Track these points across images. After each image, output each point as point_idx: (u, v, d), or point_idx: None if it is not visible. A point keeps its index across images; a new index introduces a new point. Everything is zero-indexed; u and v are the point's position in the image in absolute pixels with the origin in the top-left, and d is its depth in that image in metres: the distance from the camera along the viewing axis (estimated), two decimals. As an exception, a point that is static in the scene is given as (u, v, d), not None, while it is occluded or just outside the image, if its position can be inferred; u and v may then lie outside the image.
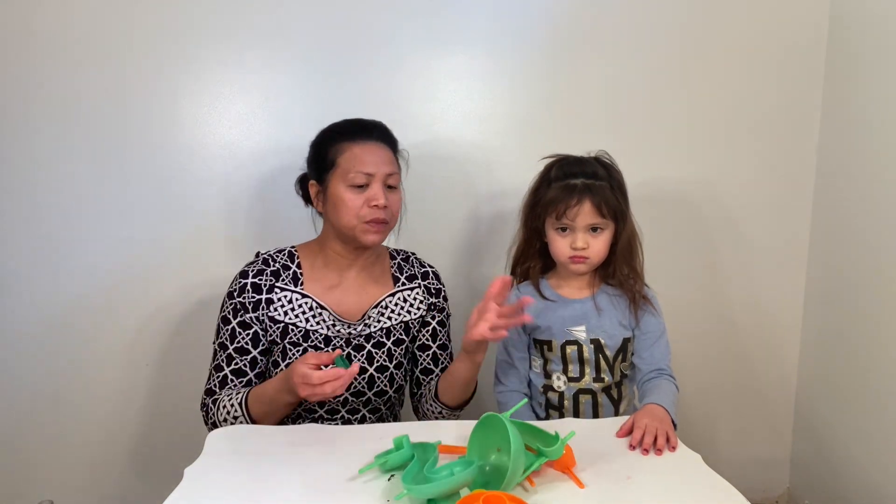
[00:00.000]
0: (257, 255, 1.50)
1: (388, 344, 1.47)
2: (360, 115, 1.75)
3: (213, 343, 1.46)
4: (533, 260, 1.49)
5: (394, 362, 1.48)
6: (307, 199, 1.51)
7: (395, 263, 1.55)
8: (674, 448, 1.16)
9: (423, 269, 1.56)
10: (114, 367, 1.79)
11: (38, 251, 1.73)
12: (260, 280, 1.44)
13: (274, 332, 1.43)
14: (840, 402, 1.81)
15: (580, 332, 1.43)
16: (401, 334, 1.50)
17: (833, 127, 1.84)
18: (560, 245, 1.41)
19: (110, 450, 1.82)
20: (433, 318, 1.55)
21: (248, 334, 1.43)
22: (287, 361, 1.42)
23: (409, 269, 1.55)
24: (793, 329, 1.97)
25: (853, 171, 1.76)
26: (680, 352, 1.94)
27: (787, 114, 1.87)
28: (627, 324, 1.44)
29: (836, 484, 1.82)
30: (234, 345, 1.42)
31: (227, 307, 1.45)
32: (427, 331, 1.54)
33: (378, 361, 1.46)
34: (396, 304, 1.50)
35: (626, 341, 1.43)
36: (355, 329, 1.46)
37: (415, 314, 1.52)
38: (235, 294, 1.44)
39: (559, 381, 1.44)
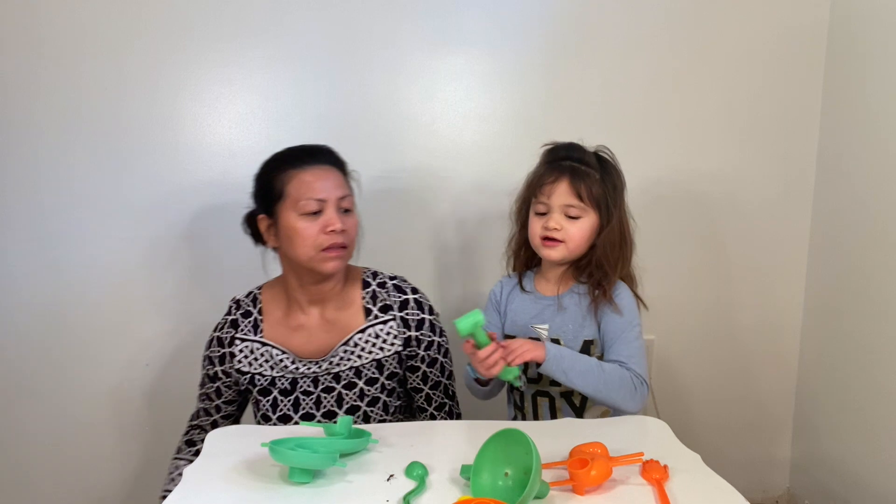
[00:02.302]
0: (232, 299, 1.48)
1: (360, 384, 1.40)
2: (360, 115, 1.77)
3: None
4: (525, 251, 1.45)
5: (365, 401, 1.40)
6: (257, 238, 1.43)
7: (367, 293, 1.43)
8: (510, 362, 1.20)
9: (401, 298, 1.43)
10: (114, 367, 1.79)
11: (39, 250, 1.73)
12: (222, 333, 1.44)
13: (243, 381, 1.43)
14: (840, 402, 1.81)
15: (543, 330, 1.37)
16: (373, 373, 1.40)
17: (833, 127, 1.84)
18: (535, 226, 1.35)
19: (109, 450, 1.82)
20: (421, 358, 1.44)
21: (212, 386, 1.46)
22: (261, 412, 1.41)
23: (383, 297, 1.43)
24: (793, 329, 1.97)
25: (853, 171, 1.75)
26: (680, 352, 1.95)
27: (787, 114, 1.87)
28: (590, 325, 1.35)
29: (836, 484, 1.81)
30: (205, 389, 1.48)
31: (203, 354, 1.48)
32: (417, 375, 1.45)
33: (348, 403, 1.39)
34: (367, 342, 1.40)
35: (587, 343, 1.34)
36: (320, 367, 1.39)
37: (388, 350, 1.41)
38: (206, 346, 1.47)
39: (520, 381, 1.36)
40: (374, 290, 1.43)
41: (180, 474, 1.24)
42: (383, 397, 1.42)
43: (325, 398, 1.40)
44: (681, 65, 1.83)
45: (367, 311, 1.42)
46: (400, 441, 1.18)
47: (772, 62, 1.85)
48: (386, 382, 1.42)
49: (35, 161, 1.70)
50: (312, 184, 1.33)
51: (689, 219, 1.90)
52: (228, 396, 1.47)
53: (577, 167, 1.32)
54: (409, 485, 1.04)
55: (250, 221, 1.44)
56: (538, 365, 1.24)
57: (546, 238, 1.33)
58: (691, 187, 1.88)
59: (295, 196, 1.33)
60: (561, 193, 1.31)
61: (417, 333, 1.43)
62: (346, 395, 1.40)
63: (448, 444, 1.19)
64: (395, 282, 1.45)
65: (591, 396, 1.28)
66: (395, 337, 1.41)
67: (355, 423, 1.30)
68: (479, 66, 1.80)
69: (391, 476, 1.07)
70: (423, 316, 1.44)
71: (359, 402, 1.40)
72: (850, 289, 1.77)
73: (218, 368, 1.44)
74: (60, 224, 1.72)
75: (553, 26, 1.79)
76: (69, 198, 1.72)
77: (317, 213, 1.33)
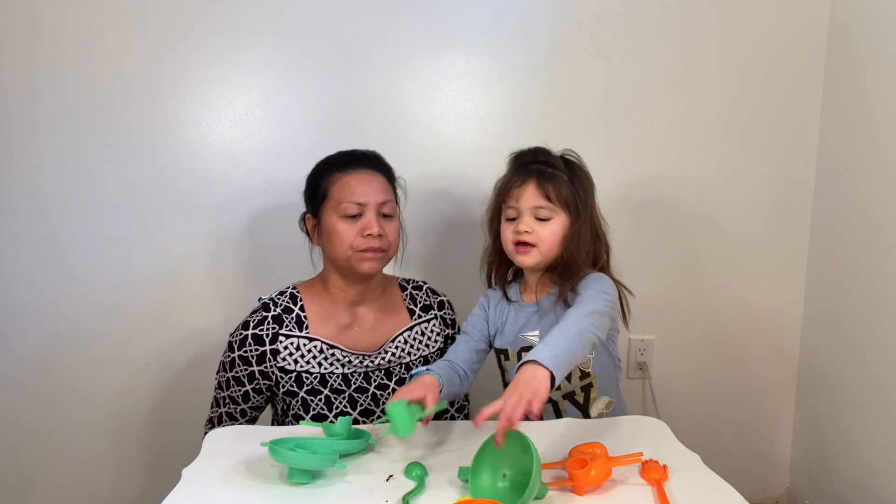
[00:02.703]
0: (259, 300, 1.45)
1: None
2: (360, 115, 1.77)
3: (216, 374, 1.46)
4: (502, 264, 1.43)
5: None
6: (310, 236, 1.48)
7: (406, 294, 1.51)
8: (536, 416, 1.01)
9: (438, 299, 1.53)
10: (114, 367, 1.79)
11: (39, 250, 1.73)
12: (261, 330, 1.39)
13: (287, 382, 1.38)
14: (840, 402, 1.81)
15: (533, 338, 1.35)
16: None
17: (833, 127, 1.84)
18: (506, 232, 1.33)
19: (109, 450, 1.82)
20: None
21: (239, 390, 1.42)
22: (312, 413, 1.38)
23: (422, 298, 1.52)
24: (793, 329, 1.97)
25: (853, 171, 1.75)
26: (680, 351, 1.95)
27: (787, 114, 1.87)
28: None
29: (836, 484, 1.81)
30: (228, 392, 1.43)
31: (226, 354, 1.42)
32: None
33: None
34: (414, 339, 1.47)
35: None
36: (372, 362, 1.41)
37: (433, 347, 1.49)
38: (236, 346, 1.40)
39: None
40: (411, 293, 1.52)
41: None
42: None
43: (381, 395, 1.41)
44: (681, 64, 1.83)
45: (411, 312, 1.49)
46: (399, 441, 1.18)
47: (772, 63, 1.85)
48: None
49: (35, 161, 1.70)
50: (355, 188, 1.38)
51: (690, 218, 1.90)
52: (255, 402, 1.43)
53: (544, 169, 1.32)
54: (409, 485, 1.05)
55: (304, 221, 1.49)
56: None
57: (518, 243, 1.32)
58: (691, 186, 1.88)
59: (337, 198, 1.38)
60: (529, 196, 1.30)
61: (454, 332, 1.52)
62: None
63: (448, 444, 1.19)
64: (428, 286, 1.55)
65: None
66: (438, 335, 1.50)
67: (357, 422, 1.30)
68: (479, 66, 1.80)
69: (390, 476, 1.07)
70: (454, 317, 1.55)
71: None
72: (850, 289, 1.77)
73: (255, 368, 1.39)
74: (60, 224, 1.72)
75: (553, 26, 1.79)
76: (69, 198, 1.72)
77: (357, 216, 1.37)
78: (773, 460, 2.02)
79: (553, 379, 1.04)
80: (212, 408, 1.47)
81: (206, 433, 1.44)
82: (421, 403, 1.14)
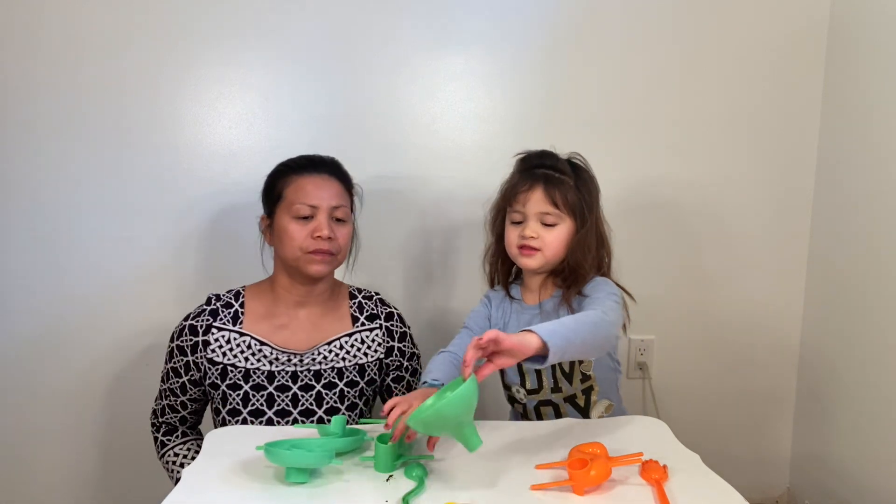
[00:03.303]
0: (207, 298, 1.47)
1: (341, 385, 1.42)
2: (360, 115, 1.77)
3: (162, 367, 1.49)
4: (503, 263, 1.44)
5: (346, 404, 1.43)
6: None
7: (354, 303, 1.50)
8: (497, 364, 1.00)
9: (387, 310, 1.51)
10: (113, 367, 1.79)
11: (39, 250, 1.73)
12: (197, 321, 1.43)
13: (213, 374, 1.41)
14: (840, 401, 1.81)
15: None
16: (355, 376, 1.44)
17: (833, 127, 1.83)
18: (511, 235, 1.34)
19: (109, 450, 1.82)
20: (405, 368, 1.51)
21: (177, 381, 1.45)
22: (228, 408, 1.39)
23: (370, 308, 1.50)
24: (793, 328, 1.96)
25: (853, 171, 1.75)
26: (680, 351, 1.95)
27: (787, 114, 1.87)
28: None
29: (836, 484, 1.81)
30: (168, 384, 1.47)
31: (168, 345, 1.46)
32: (402, 385, 1.50)
33: (328, 403, 1.41)
34: (352, 346, 1.45)
35: None
36: (301, 361, 1.41)
37: (371, 356, 1.46)
38: (175, 336, 1.45)
39: (519, 394, 1.39)
40: (360, 301, 1.51)
41: (192, 458, 1.31)
42: (360, 404, 1.46)
43: (304, 396, 1.40)
44: (681, 64, 1.83)
45: (355, 319, 1.48)
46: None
47: (772, 62, 1.85)
48: (365, 388, 1.46)
49: (35, 161, 1.70)
50: (309, 191, 1.39)
51: (690, 218, 1.90)
52: (193, 394, 1.46)
53: (551, 174, 1.31)
54: (409, 485, 1.05)
55: (260, 221, 1.50)
56: (539, 361, 1.05)
57: (523, 247, 1.32)
58: (691, 186, 1.88)
59: (290, 199, 1.39)
60: (536, 201, 1.30)
61: (401, 345, 1.50)
62: (327, 394, 1.41)
63: (448, 444, 1.19)
64: (379, 296, 1.53)
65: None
66: (379, 345, 1.48)
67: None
68: (479, 66, 1.80)
69: (390, 476, 1.08)
70: (405, 329, 1.53)
71: (338, 405, 1.42)
72: (850, 289, 1.77)
73: (190, 358, 1.42)
74: (60, 224, 1.72)
75: (553, 26, 1.79)
76: (69, 198, 1.72)
77: (308, 217, 1.39)
78: (773, 460, 2.02)
79: (547, 352, 1.01)
80: (156, 399, 1.52)
81: (151, 424, 1.52)
82: (406, 445, 1.13)
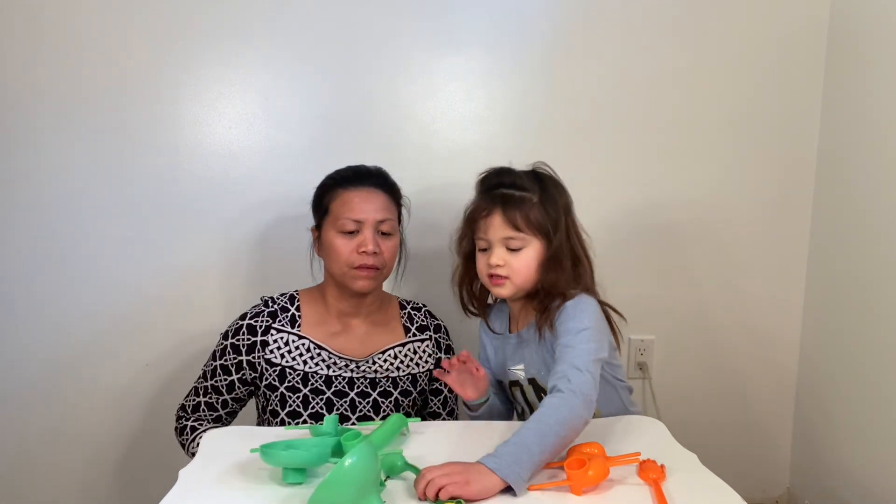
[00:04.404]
0: (261, 298, 1.47)
1: (395, 394, 1.44)
2: (360, 115, 1.77)
3: (204, 365, 1.48)
4: (475, 286, 1.36)
5: (400, 412, 1.41)
6: None
7: (405, 313, 1.51)
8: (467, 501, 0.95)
9: (435, 322, 1.53)
10: (114, 367, 1.79)
11: (39, 250, 1.73)
12: (256, 322, 1.42)
13: (271, 375, 1.40)
14: (840, 402, 1.81)
15: (519, 371, 1.31)
16: (408, 386, 1.46)
17: (833, 127, 1.83)
18: (480, 264, 1.27)
19: (108, 450, 1.82)
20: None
21: (225, 379, 1.43)
22: (287, 410, 1.39)
23: (420, 319, 1.51)
24: (793, 329, 1.96)
25: (853, 171, 1.75)
26: (679, 352, 1.95)
27: (787, 114, 1.86)
28: (550, 351, 1.22)
29: (836, 484, 1.81)
30: (212, 381, 1.45)
31: (219, 343, 1.45)
32: (439, 399, 1.52)
33: (384, 411, 1.42)
34: (406, 355, 1.47)
35: None
36: (358, 367, 1.41)
37: (423, 367, 1.48)
38: (230, 334, 1.43)
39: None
40: (410, 312, 1.52)
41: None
42: (413, 413, 1.48)
43: (361, 403, 1.41)
44: (681, 64, 1.83)
45: (406, 329, 1.50)
46: (396, 443, 1.18)
47: (772, 62, 1.84)
48: (417, 398, 1.48)
49: (35, 161, 1.70)
50: (353, 204, 1.39)
51: (690, 218, 1.89)
52: (238, 393, 1.44)
53: (510, 194, 1.23)
54: (408, 486, 1.04)
55: (311, 232, 1.51)
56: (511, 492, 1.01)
57: (491, 276, 1.25)
58: (691, 186, 1.88)
59: (336, 214, 1.40)
60: (497, 227, 1.22)
61: (447, 357, 1.51)
62: (383, 402, 1.42)
63: (446, 445, 1.19)
64: (426, 308, 1.55)
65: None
66: (430, 356, 1.49)
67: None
68: (479, 66, 1.80)
69: (387, 478, 1.07)
70: (450, 343, 1.54)
71: (393, 413, 1.39)
72: (850, 290, 1.76)
73: (244, 358, 1.41)
74: (60, 224, 1.73)
75: (553, 28, 1.79)
76: (69, 198, 1.72)
77: (354, 232, 1.38)
78: (772, 461, 2.02)
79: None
80: (188, 396, 1.48)
81: (177, 417, 1.48)
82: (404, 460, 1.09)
